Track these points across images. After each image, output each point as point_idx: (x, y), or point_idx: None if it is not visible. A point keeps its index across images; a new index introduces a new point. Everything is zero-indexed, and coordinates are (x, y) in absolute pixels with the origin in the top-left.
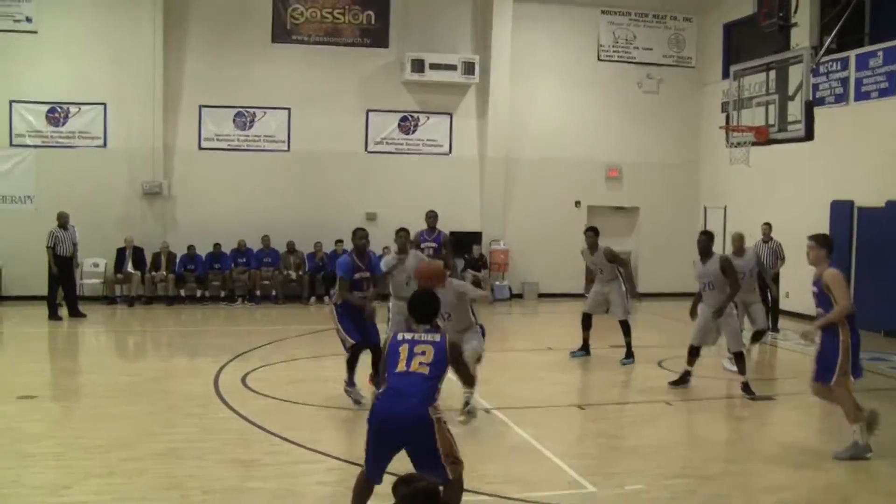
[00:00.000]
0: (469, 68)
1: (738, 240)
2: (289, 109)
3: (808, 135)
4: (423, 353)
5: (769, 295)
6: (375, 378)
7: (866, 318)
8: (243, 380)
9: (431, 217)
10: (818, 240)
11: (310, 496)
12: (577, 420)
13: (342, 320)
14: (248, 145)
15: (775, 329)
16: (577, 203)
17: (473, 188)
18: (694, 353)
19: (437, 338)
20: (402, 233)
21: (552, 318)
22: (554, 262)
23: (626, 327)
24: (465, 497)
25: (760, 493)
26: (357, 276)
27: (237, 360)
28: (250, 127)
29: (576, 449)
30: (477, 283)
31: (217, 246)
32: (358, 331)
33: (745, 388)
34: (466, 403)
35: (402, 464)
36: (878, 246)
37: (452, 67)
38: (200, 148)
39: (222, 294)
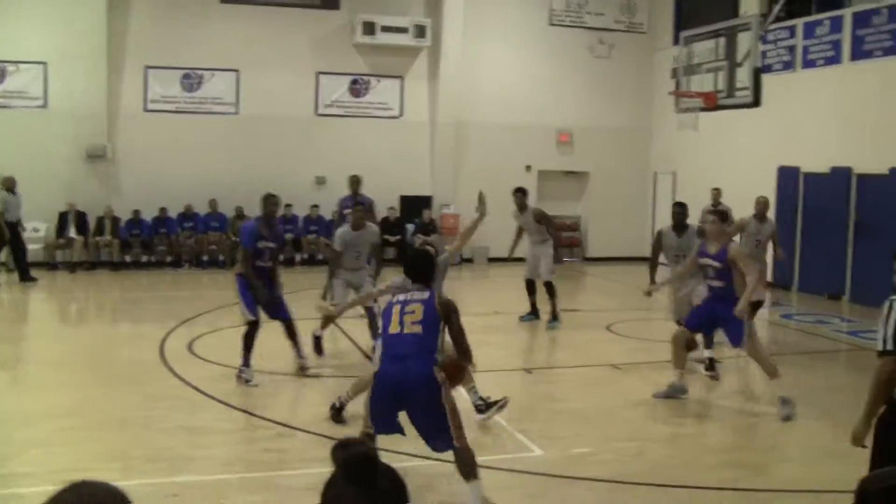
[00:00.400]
0: (420, 31)
1: (762, 204)
2: (237, 71)
3: (756, 101)
4: (413, 311)
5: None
6: (297, 348)
7: (811, 282)
8: (190, 346)
9: (355, 182)
10: (721, 215)
11: (258, 463)
12: (525, 384)
13: (244, 292)
14: (195, 108)
15: None
16: (528, 167)
17: (424, 152)
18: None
19: (426, 295)
20: (359, 207)
21: (501, 282)
22: (504, 227)
23: (550, 289)
24: (412, 462)
25: (707, 455)
26: (261, 245)
27: (183, 326)
28: (198, 89)
29: (523, 413)
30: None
31: (163, 210)
32: (258, 306)
33: (710, 365)
34: (482, 401)
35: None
36: (823, 211)
37: (404, 30)
38: (146, 110)
39: (168, 259)
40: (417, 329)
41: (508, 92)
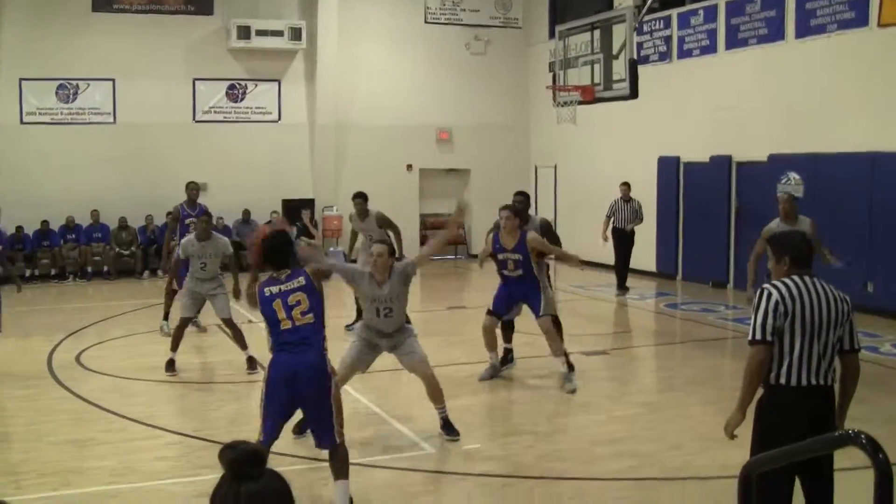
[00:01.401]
0: (296, 34)
1: (786, 202)
2: (113, 80)
3: (633, 93)
4: (299, 302)
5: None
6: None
7: (694, 270)
8: (77, 358)
9: (193, 189)
10: (514, 210)
11: (148, 472)
12: (413, 382)
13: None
14: (72, 118)
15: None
16: (409, 167)
17: (304, 155)
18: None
19: (303, 281)
20: (203, 217)
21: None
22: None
23: None
24: (304, 464)
25: (596, 446)
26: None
27: (71, 338)
28: (74, 100)
29: (412, 412)
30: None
31: (45, 223)
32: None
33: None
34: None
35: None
36: (705, 200)
37: (279, 34)
38: (22, 122)
39: (52, 272)
40: (309, 319)
41: (387, 92)
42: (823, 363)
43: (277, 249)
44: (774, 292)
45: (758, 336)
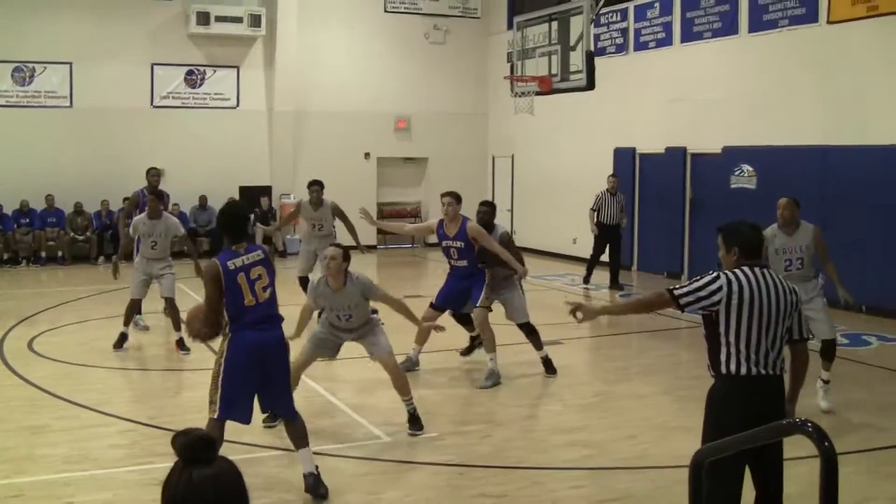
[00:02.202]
0: (255, 20)
1: (785, 207)
2: (70, 64)
3: (590, 84)
4: (259, 276)
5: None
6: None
7: (649, 261)
8: (30, 344)
9: (154, 175)
10: (455, 196)
11: (102, 459)
12: (370, 371)
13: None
14: (27, 102)
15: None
16: (367, 155)
17: (262, 142)
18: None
19: (261, 254)
20: (152, 197)
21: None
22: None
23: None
24: (258, 453)
25: (551, 435)
26: None
27: (23, 324)
28: (30, 83)
29: (368, 400)
30: (268, 238)
31: None
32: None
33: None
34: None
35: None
36: (660, 191)
37: (238, 20)
38: None
39: (5, 256)
40: (269, 294)
41: (345, 80)
42: (773, 353)
43: (236, 220)
44: (722, 277)
45: (678, 292)
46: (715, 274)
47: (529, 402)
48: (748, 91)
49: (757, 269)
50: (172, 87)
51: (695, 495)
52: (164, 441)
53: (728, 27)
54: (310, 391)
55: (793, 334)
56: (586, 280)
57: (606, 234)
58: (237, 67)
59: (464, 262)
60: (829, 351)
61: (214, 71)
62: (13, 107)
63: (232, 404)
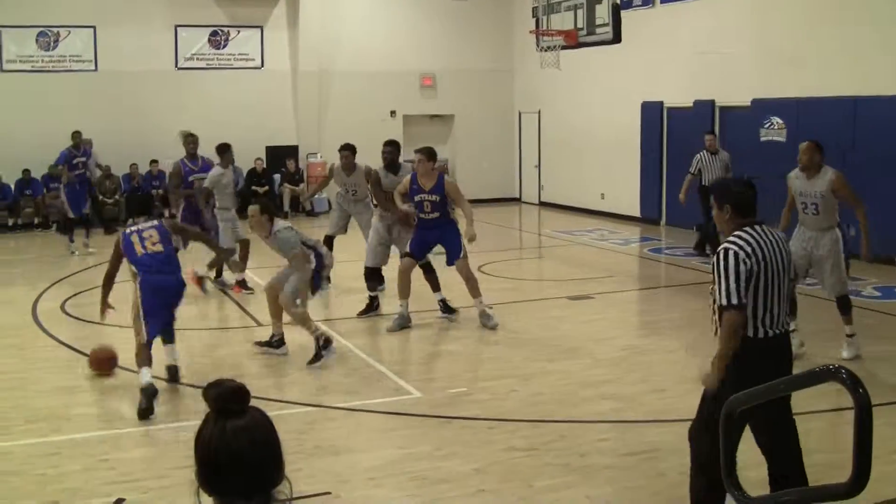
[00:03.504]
0: None
1: (804, 151)
2: (94, 28)
3: (616, 38)
4: (150, 236)
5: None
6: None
7: (677, 215)
8: (62, 306)
9: (192, 143)
10: (428, 153)
11: (135, 418)
12: (399, 330)
13: None
14: (53, 66)
15: None
16: (393, 113)
17: (287, 102)
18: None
19: (156, 223)
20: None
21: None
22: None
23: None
24: (292, 409)
25: (580, 389)
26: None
27: (55, 286)
28: (55, 47)
29: (397, 356)
30: (296, 196)
31: (26, 172)
32: None
33: (445, 307)
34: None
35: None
36: (688, 145)
37: None
38: (3, 70)
39: (36, 221)
40: (160, 248)
41: (370, 38)
42: (782, 311)
43: (138, 205)
44: (741, 252)
45: (733, 301)
46: (731, 253)
47: (558, 356)
48: (777, 43)
49: (758, 228)
50: (196, 48)
51: (725, 445)
52: (197, 399)
53: None
54: (341, 348)
55: None
56: (700, 248)
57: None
58: (261, 28)
59: (436, 215)
60: (843, 306)
61: (238, 31)
62: (38, 72)
63: (150, 325)
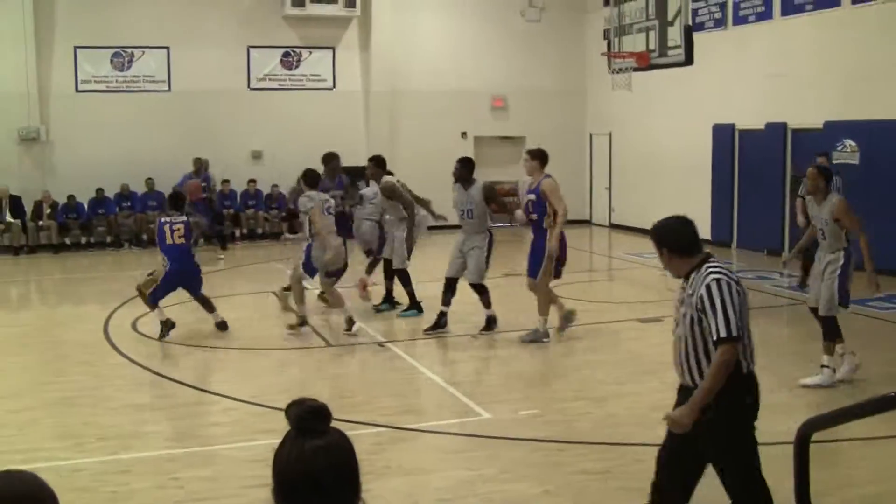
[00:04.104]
0: (350, 1)
1: (809, 177)
2: (168, 48)
3: (688, 59)
4: (177, 229)
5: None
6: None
7: (749, 237)
8: (133, 325)
9: (334, 166)
10: (532, 153)
11: (205, 437)
12: (469, 348)
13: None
14: (127, 86)
15: None
16: (464, 134)
17: (358, 123)
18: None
19: (183, 218)
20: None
21: (441, 250)
22: (443, 194)
23: (403, 277)
24: (363, 430)
25: (651, 412)
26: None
27: (126, 305)
28: (129, 67)
29: (468, 377)
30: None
31: (100, 191)
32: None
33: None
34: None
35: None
36: (759, 167)
37: (333, 1)
38: (78, 90)
39: (108, 240)
40: (182, 241)
41: (441, 59)
42: (752, 346)
43: (173, 200)
44: (732, 283)
45: (734, 333)
46: (726, 283)
47: (629, 378)
48: (850, 64)
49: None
50: (269, 69)
51: (799, 469)
52: (266, 419)
53: None
54: (410, 368)
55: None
56: (802, 284)
57: None
58: (333, 49)
59: (534, 216)
60: (827, 328)
61: (310, 52)
62: (113, 91)
63: (156, 297)
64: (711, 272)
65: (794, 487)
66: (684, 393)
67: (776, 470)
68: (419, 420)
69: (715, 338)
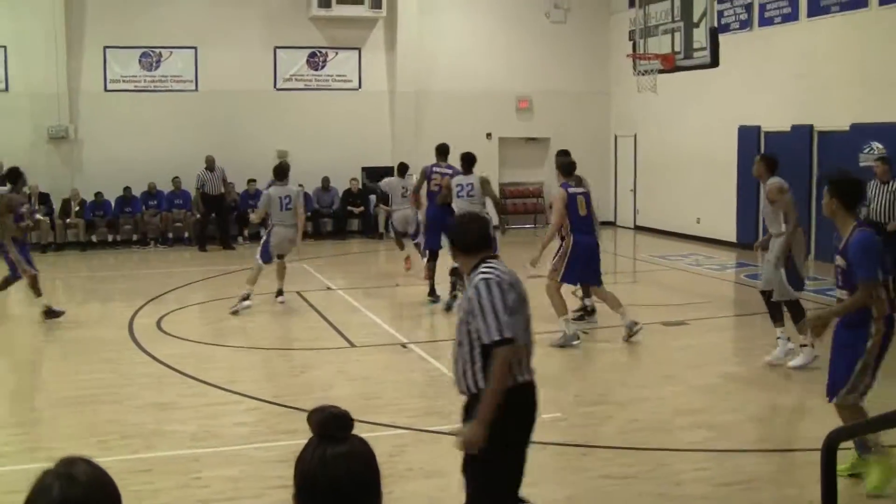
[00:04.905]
0: (376, 2)
1: (756, 163)
2: (195, 48)
3: (714, 61)
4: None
5: None
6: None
7: None
8: (158, 323)
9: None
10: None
11: (228, 436)
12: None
13: None
14: (155, 86)
15: None
16: (489, 135)
17: (384, 123)
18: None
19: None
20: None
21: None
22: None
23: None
24: (385, 431)
25: (675, 417)
26: None
27: (151, 303)
28: (157, 67)
29: None
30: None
31: (127, 189)
32: None
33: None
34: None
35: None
36: (785, 169)
37: (360, 1)
38: (106, 90)
39: (134, 238)
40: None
41: (466, 59)
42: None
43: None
44: (504, 284)
45: (505, 334)
46: (494, 282)
47: (652, 382)
48: (877, 66)
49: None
50: (295, 69)
51: (827, 477)
52: (289, 419)
53: (857, 0)
54: (432, 369)
55: None
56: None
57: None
58: (359, 49)
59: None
60: (770, 306)
61: (336, 53)
62: (141, 91)
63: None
64: (482, 272)
65: (821, 496)
66: (468, 407)
67: (804, 476)
68: (440, 422)
69: (486, 341)
